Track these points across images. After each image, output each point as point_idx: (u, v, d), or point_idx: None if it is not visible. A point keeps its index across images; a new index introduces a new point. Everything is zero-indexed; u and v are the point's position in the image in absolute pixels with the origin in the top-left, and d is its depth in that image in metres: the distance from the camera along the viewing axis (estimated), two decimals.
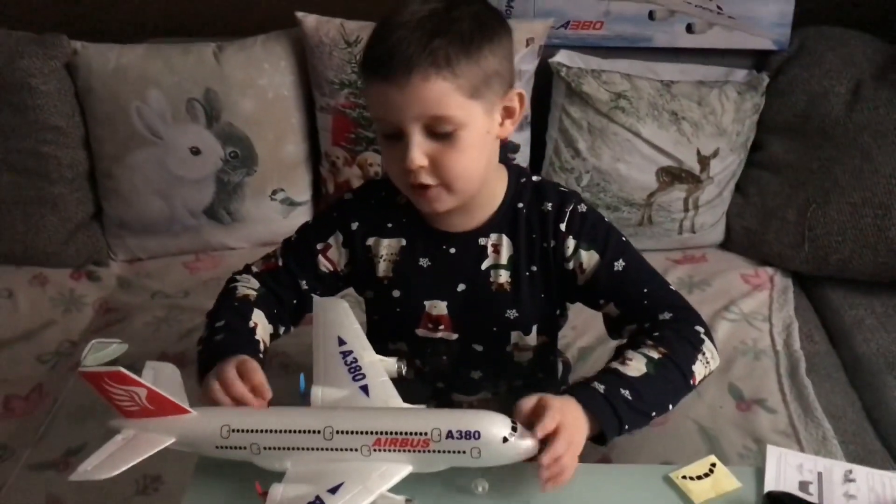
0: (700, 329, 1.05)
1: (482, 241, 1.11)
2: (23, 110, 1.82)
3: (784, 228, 1.85)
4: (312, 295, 1.14)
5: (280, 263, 1.16)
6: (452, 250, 1.12)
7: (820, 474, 0.98)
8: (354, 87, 1.85)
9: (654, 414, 0.99)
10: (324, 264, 1.15)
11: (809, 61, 1.85)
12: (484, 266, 1.12)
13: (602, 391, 0.95)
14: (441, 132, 0.98)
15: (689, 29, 1.93)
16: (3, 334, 1.78)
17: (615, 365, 1.00)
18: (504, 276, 1.12)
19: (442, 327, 1.15)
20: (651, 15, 1.93)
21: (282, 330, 1.14)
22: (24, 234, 1.91)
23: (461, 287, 1.13)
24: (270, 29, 1.93)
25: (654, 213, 1.89)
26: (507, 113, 1.05)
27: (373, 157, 1.92)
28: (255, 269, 1.18)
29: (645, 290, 1.08)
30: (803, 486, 0.97)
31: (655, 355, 1.00)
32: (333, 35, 1.85)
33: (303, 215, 2.00)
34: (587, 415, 0.92)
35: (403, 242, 1.13)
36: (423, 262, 1.13)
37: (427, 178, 1.00)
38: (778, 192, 1.87)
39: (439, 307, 1.14)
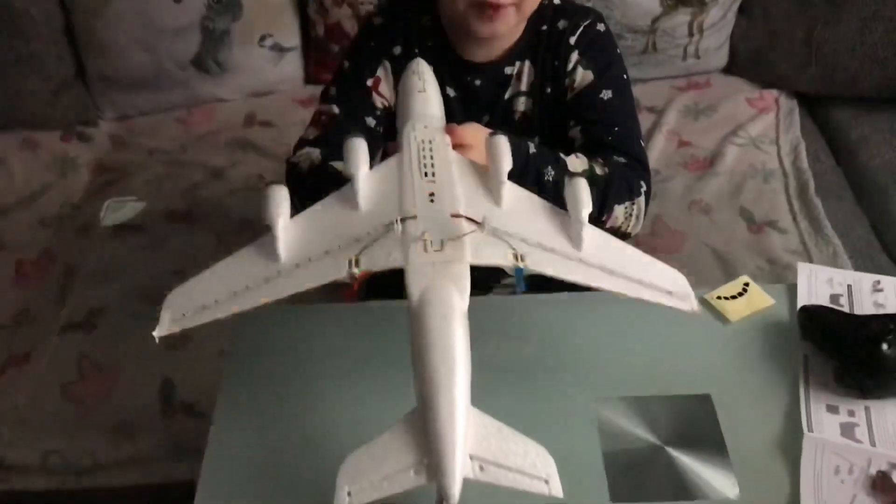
0: (643, 186, 1.03)
1: (508, 70, 1.08)
2: None
3: (791, 49, 1.81)
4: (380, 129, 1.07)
5: (336, 111, 1.07)
6: (478, 82, 1.08)
7: (849, 286, 1.01)
8: None
9: None
10: (379, 100, 1.08)
11: None
12: (507, 96, 1.09)
13: (530, 153, 0.93)
14: None
15: None
16: (1, 200, 1.74)
17: (560, 153, 0.98)
18: (525, 105, 1.09)
19: None
20: None
21: None
22: (4, 96, 1.83)
23: (485, 119, 1.09)
24: None
25: (658, 40, 1.84)
26: None
27: None
28: (309, 135, 1.07)
29: (615, 129, 1.05)
30: (834, 298, 0.99)
31: (599, 171, 0.98)
32: None
33: (293, 62, 1.94)
34: None
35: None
36: (450, 91, 1.08)
37: None
38: (784, 12, 1.82)
39: None
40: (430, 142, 0.79)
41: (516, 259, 0.71)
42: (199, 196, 1.68)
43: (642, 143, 1.07)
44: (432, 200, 0.73)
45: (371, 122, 1.07)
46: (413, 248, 0.69)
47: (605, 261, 0.75)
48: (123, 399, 1.31)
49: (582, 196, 0.75)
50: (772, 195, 1.59)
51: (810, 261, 1.44)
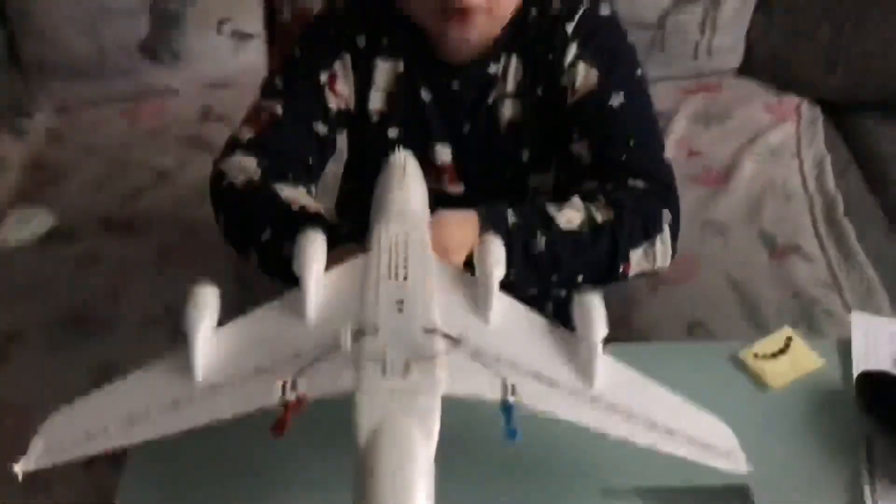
0: (667, 215, 0.84)
1: (492, 68, 0.90)
2: None
3: (815, 50, 1.64)
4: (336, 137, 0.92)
5: (279, 112, 0.89)
6: (456, 84, 0.91)
7: None
8: None
9: (553, 279, 0.81)
10: (333, 101, 0.90)
11: None
12: (491, 99, 0.91)
13: (510, 224, 0.77)
14: None
15: None
16: None
17: (549, 205, 0.81)
18: (513, 110, 0.92)
19: (446, 177, 0.95)
20: None
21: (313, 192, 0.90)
22: None
23: (466, 128, 0.92)
24: None
25: (666, 36, 1.66)
26: None
27: None
28: (243, 137, 0.89)
29: (630, 144, 0.87)
30: None
31: (599, 217, 0.81)
32: None
33: (255, 50, 1.75)
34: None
35: (401, 68, 0.91)
36: (425, 95, 0.91)
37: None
38: (808, 9, 1.65)
39: (444, 153, 0.93)
40: (406, 239, 0.63)
41: (505, 391, 0.54)
42: (141, 202, 1.50)
43: (666, 158, 0.88)
44: (400, 310, 0.57)
45: (321, 128, 0.90)
46: (367, 368, 0.53)
47: (625, 401, 0.59)
48: None
49: (594, 317, 0.59)
50: (795, 217, 1.42)
51: (841, 296, 1.27)
